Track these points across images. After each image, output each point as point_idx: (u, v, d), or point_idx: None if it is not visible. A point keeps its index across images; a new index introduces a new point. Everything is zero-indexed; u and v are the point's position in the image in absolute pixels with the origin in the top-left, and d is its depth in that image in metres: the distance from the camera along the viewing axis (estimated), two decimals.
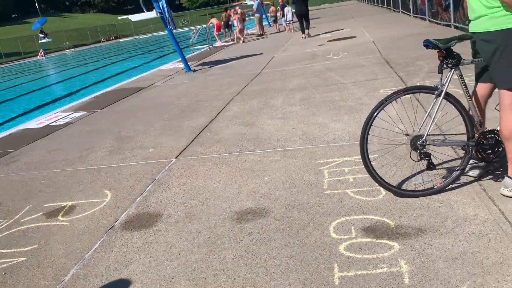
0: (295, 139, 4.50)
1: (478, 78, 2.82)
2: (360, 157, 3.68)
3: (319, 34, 15.65)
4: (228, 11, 20.71)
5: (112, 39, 53.00)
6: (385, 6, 23.85)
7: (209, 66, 11.97)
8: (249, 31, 22.46)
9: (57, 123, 7.07)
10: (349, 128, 4.54)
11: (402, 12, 18.52)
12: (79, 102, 8.98)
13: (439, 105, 2.67)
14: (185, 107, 6.91)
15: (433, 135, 2.80)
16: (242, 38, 18.57)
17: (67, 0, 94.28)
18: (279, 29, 21.63)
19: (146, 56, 23.23)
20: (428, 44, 2.60)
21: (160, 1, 10.58)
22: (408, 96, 2.79)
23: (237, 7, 20.67)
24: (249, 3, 23.83)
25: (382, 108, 2.69)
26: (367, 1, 34.59)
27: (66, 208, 3.66)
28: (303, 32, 15.44)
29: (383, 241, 2.49)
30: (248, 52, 13.74)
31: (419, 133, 2.73)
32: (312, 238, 2.63)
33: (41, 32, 38.14)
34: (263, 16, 22.67)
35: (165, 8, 10.64)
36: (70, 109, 8.28)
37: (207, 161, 4.29)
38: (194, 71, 11.28)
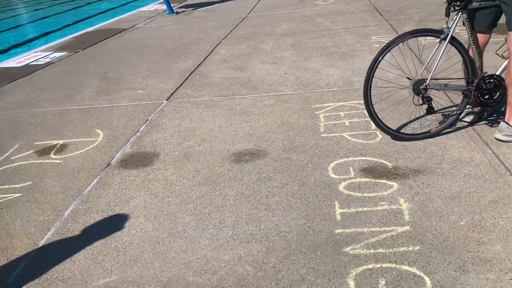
0: (288, 84, 4.47)
1: (478, 26, 2.79)
2: (355, 102, 3.72)
3: None
4: None
5: None
6: None
7: (192, 8, 11.54)
8: None
9: (38, 63, 6.78)
10: (343, 74, 4.52)
11: None
12: (59, 42, 8.59)
13: (444, 49, 2.66)
14: (171, 50, 6.72)
15: (435, 79, 2.81)
16: None
17: None
18: None
19: None
20: None
21: None
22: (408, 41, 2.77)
23: None
24: None
25: (389, 50, 2.67)
26: None
27: (57, 146, 3.60)
28: None
29: (381, 181, 2.56)
30: None
31: (421, 77, 2.73)
32: (312, 178, 2.68)
33: None
34: None
35: None
36: (50, 48, 7.93)
37: (199, 103, 4.24)
38: (177, 13, 10.87)
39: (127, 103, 4.47)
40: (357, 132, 3.20)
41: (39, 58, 7.08)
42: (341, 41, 5.86)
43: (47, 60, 6.90)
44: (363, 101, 2.85)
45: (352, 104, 3.70)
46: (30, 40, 11.54)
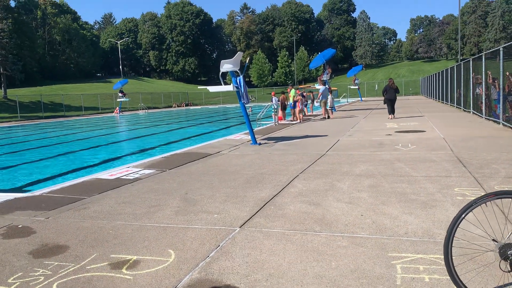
0: (364, 226, 4.35)
1: None
2: (436, 256, 3.49)
3: (386, 124, 15.65)
4: (286, 94, 21.47)
5: (183, 106, 56.38)
6: (455, 105, 23.64)
7: (274, 141, 12.21)
8: (314, 112, 23.01)
9: (128, 177, 7.38)
10: (423, 224, 4.33)
11: (473, 113, 18.22)
12: (149, 160, 9.38)
13: None
14: (250, 178, 6.99)
15: None
16: (299, 118, 19.40)
17: (147, 66, 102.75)
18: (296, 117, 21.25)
19: (214, 125, 24.27)
20: None
21: (238, 77, 11.23)
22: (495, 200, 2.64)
23: (288, 88, 21.46)
24: (317, 87, 24.70)
25: (479, 205, 2.55)
26: (436, 98, 34.52)
27: (130, 261, 3.70)
28: (390, 113, 18.10)
29: None
30: (313, 133, 13.95)
31: (510, 242, 2.53)
32: None
33: (121, 91, 41.62)
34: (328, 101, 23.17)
35: (242, 84, 11.23)
36: (140, 165, 8.65)
37: (271, 235, 4.23)
38: (260, 144, 11.54)
39: (201, 226, 4.59)
40: None
41: (130, 173, 7.70)
42: (421, 189, 5.74)
43: (136, 176, 7.49)
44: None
45: (432, 259, 3.47)
46: (126, 155, 12.73)
